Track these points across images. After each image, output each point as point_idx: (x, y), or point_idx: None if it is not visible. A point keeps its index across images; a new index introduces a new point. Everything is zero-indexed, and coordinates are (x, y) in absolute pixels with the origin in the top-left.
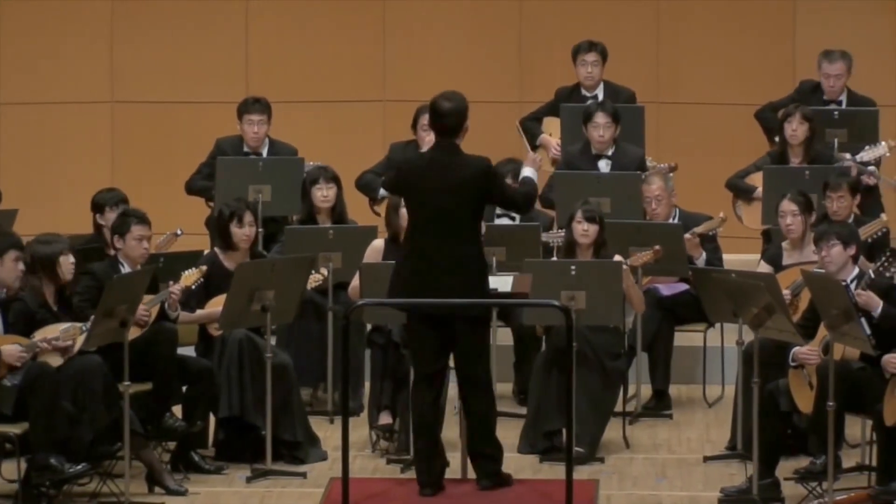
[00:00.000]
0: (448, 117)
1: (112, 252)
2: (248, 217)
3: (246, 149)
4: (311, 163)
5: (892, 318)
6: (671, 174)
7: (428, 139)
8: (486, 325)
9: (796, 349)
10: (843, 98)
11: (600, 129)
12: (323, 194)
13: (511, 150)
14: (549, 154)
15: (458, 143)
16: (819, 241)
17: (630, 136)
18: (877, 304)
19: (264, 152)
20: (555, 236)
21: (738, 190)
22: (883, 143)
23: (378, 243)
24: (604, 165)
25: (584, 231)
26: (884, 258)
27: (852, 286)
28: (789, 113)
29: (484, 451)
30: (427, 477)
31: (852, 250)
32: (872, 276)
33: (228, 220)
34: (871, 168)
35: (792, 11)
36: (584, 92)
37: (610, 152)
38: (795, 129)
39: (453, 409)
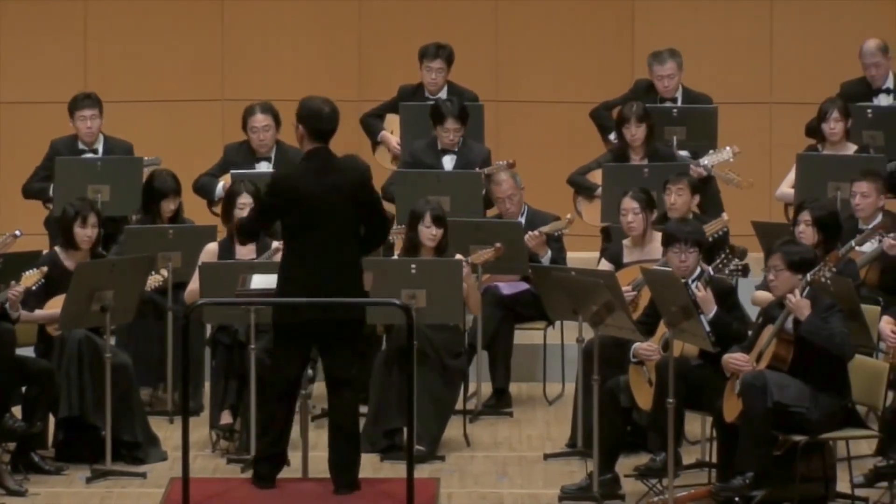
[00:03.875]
0: (331, 121)
1: None
2: (91, 218)
3: (81, 146)
4: (147, 158)
5: (724, 324)
6: (515, 172)
7: (258, 139)
8: (359, 328)
9: (636, 345)
10: (679, 95)
11: (451, 133)
12: (171, 208)
13: (349, 147)
14: (388, 151)
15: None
16: (673, 244)
17: (470, 134)
18: (711, 308)
19: (99, 148)
20: (394, 232)
21: (580, 187)
22: (728, 148)
23: (212, 247)
24: (448, 161)
25: (433, 235)
26: (722, 256)
27: (693, 284)
28: (626, 118)
29: (347, 459)
30: (270, 474)
31: (698, 252)
32: (712, 273)
33: (72, 220)
34: (704, 164)
35: (630, 10)
36: (427, 94)
37: (456, 148)
38: (635, 134)
39: (311, 409)
